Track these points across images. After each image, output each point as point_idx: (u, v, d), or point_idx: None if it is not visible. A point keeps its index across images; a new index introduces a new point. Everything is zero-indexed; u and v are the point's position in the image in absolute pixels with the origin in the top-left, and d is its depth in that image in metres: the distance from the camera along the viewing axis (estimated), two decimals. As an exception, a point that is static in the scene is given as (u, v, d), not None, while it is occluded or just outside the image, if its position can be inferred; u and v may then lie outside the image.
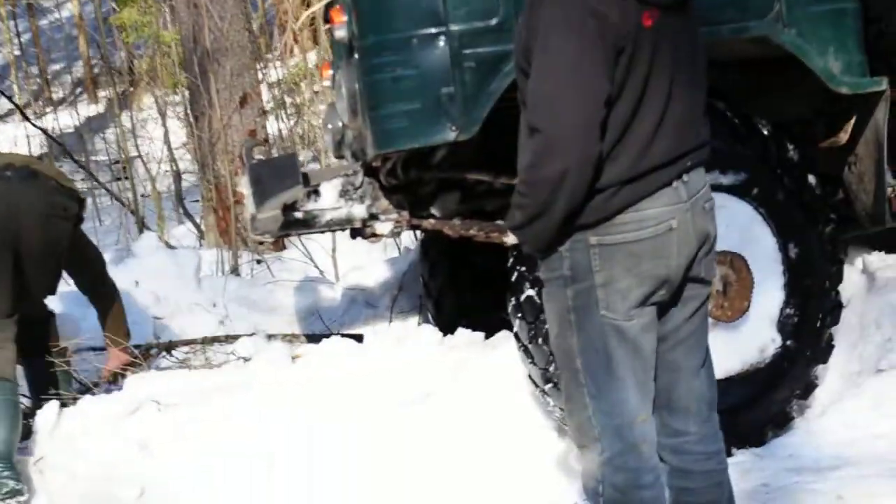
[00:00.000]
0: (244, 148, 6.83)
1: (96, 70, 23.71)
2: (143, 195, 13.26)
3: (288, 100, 13.44)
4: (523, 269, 5.64)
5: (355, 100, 5.77)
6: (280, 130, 13.06)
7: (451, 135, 5.52)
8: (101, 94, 22.65)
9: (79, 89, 24.77)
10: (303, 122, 13.19)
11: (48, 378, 6.82)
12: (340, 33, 5.79)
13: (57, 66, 26.64)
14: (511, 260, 5.74)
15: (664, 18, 3.53)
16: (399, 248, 9.43)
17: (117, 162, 15.08)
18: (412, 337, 6.73)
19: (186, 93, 11.63)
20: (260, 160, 6.67)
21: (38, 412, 6.39)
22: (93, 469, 6.04)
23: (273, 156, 10.41)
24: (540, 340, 5.58)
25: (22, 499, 5.98)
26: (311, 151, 12.24)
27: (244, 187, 6.34)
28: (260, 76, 12.23)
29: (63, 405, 6.43)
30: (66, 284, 7.30)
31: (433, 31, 5.49)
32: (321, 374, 6.38)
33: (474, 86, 5.48)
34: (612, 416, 3.66)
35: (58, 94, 25.05)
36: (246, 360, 6.94)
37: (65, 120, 17.46)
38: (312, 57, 14.65)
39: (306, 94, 13.39)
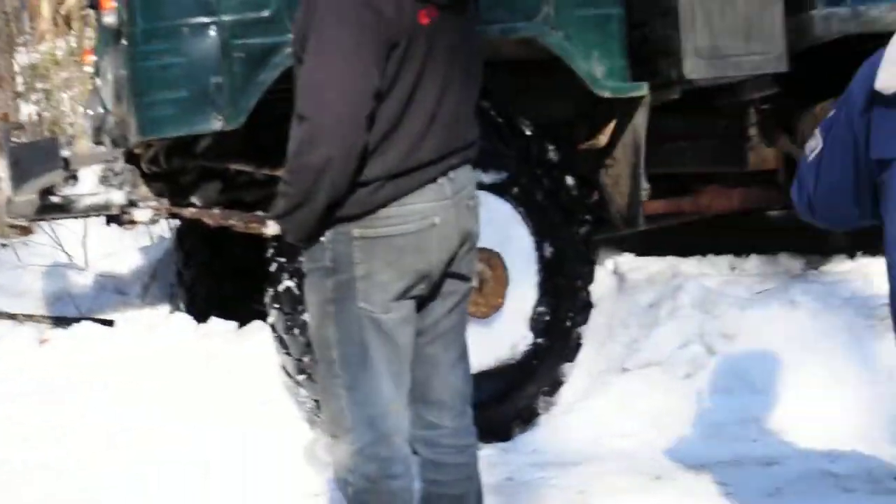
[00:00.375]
0: (2, 131, 6.72)
1: None
2: None
3: (39, 85, 13.15)
4: (282, 259, 5.68)
5: (121, 86, 5.75)
6: (30, 115, 12.80)
7: (216, 124, 5.55)
8: None
9: None
10: (52, 108, 12.96)
11: None
12: (109, 19, 5.76)
13: None
14: (270, 251, 5.78)
15: (442, 17, 3.55)
16: (152, 237, 9.35)
17: None
18: (164, 324, 6.70)
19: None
20: (20, 143, 6.58)
21: None
22: None
23: (28, 140, 10.21)
24: (296, 331, 5.63)
25: None
26: (63, 137, 12.02)
27: (1, 170, 6.24)
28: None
29: None
30: None
31: (204, 20, 5.52)
32: (71, 359, 6.32)
33: (243, 77, 5.52)
34: (365, 406, 3.64)
35: None
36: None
37: None
38: (63, 43, 14.39)
39: (55, 80, 13.16)
